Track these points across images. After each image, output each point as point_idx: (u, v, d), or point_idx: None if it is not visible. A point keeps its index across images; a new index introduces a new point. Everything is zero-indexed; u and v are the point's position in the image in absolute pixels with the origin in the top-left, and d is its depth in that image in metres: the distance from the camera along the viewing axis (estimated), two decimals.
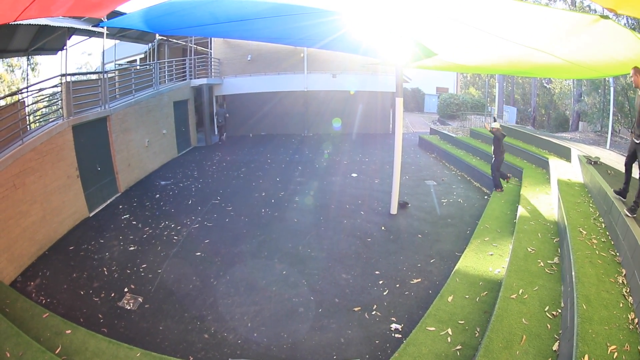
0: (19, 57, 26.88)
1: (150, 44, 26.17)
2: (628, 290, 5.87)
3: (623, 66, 8.50)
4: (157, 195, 14.79)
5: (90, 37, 19.60)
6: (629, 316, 5.26)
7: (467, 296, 7.52)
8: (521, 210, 10.54)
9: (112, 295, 8.68)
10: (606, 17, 5.64)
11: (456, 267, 8.63)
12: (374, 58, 18.54)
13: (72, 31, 17.49)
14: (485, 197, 14.06)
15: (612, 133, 22.34)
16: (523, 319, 5.96)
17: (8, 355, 6.15)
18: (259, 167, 18.94)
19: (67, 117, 12.20)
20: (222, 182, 16.52)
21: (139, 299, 8.50)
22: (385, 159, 19.24)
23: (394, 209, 12.91)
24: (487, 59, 11.16)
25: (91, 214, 12.88)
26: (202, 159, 20.60)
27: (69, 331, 7.11)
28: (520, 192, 12.19)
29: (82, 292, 8.80)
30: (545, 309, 6.22)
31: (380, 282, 9.07)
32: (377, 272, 9.47)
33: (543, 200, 11.40)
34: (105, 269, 9.73)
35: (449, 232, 11.47)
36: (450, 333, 6.47)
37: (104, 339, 6.97)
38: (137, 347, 6.77)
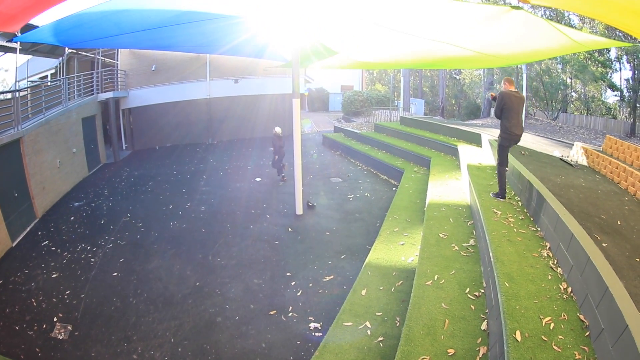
0: None
1: (60, 58, 25.07)
2: (555, 262, 5.90)
3: (541, 54, 8.83)
4: (72, 218, 14.47)
5: (5, 52, 18.97)
6: (561, 286, 5.27)
7: (381, 287, 7.59)
8: (430, 198, 10.62)
9: (44, 326, 8.59)
10: (518, 8, 5.67)
11: (366, 260, 8.75)
12: (276, 60, 18.51)
13: None
14: (393, 188, 14.43)
15: (526, 116, 22.94)
16: (442, 304, 5.91)
17: None
18: (165, 179, 18.79)
19: None
20: (131, 199, 16.31)
21: (69, 327, 8.54)
22: (289, 161, 18.85)
23: (299, 210, 13.16)
24: (392, 56, 11.15)
25: (14, 244, 12.48)
26: (112, 176, 20.02)
27: None
28: (429, 180, 12.31)
29: (17, 328, 8.63)
30: (466, 291, 6.21)
31: (293, 283, 9.39)
32: (288, 274, 9.81)
33: (453, 186, 11.58)
34: (33, 300, 9.60)
35: (358, 227, 11.81)
36: (369, 326, 6.52)
37: None
38: None
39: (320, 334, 7.29)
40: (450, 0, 6.00)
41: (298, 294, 8.86)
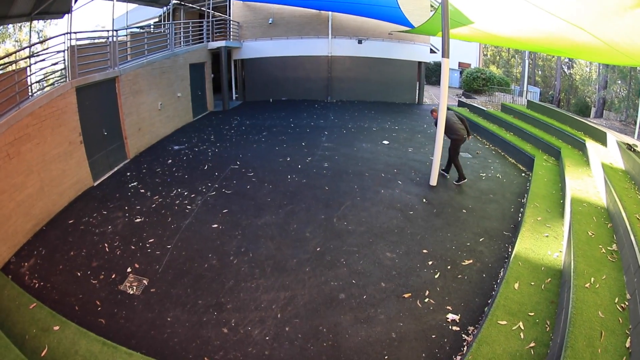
0: (23, 24, 25.95)
1: (165, 8, 25.01)
2: None
3: None
4: (170, 161, 13.32)
5: None
6: None
7: (532, 283, 6.49)
8: (572, 191, 9.57)
9: (113, 276, 7.29)
10: None
11: (515, 249, 7.49)
12: (401, 25, 18.41)
13: None
14: (522, 174, 13.00)
15: None
16: (599, 312, 5.17)
17: None
18: (281, 131, 17.48)
19: (70, 79, 10.88)
20: (241, 147, 15.02)
21: (144, 282, 7.08)
22: (415, 128, 18.12)
23: (433, 181, 11.59)
24: (525, 31, 10.90)
25: (96, 183, 11.53)
26: (220, 123, 19.19)
27: (57, 327, 5.83)
28: (565, 173, 11.08)
29: (79, 274, 7.45)
30: (615, 301, 5.43)
31: (430, 262, 7.70)
32: (424, 251, 8.06)
33: (588, 183, 10.44)
34: (106, 244, 8.33)
35: (493, 209, 10.19)
36: (522, 327, 5.52)
37: (98, 339, 5.61)
38: (136, 353, 5.38)
39: (458, 329, 6.05)
40: None
41: (436, 277, 7.33)
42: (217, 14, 25.34)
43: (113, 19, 20.56)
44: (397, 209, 9.81)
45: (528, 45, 15.68)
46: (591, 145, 12.94)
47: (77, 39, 12.12)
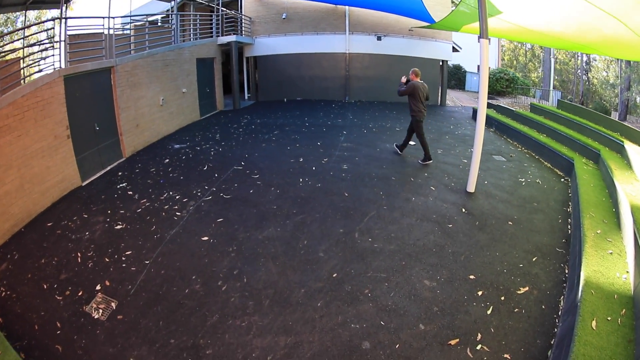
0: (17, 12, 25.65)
1: (172, 2, 23.82)
2: None
3: None
4: (166, 160, 11.97)
5: None
6: None
7: (608, 318, 5.03)
8: (629, 198, 8.08)
9: (80, 293, 6.13)
10: None
11: (584, 273, 5.88)
12: (421, 20, 17.83)
13: None
14: (562, 179, 11.58)
15: None
16: None
17: None
18: (295, 130, 16.05)
19: (59, 67, 10.04)
20: (248, 146, 13.59)
21: (112, 304, 5.82)
22: (442, 129, 16.86)
23: (471, 187, 10.02)
24: (554, 22, 10.27)
25: (84, 183, 10.40)
26: (228, 122, 17.82)
27: None
28: (614, 177, 9.67)
29: (45, 286, 6.40)
30: None
31: (479, 292, 6.03)
32: (471, 277, 6.38)
33: (638, 188, 9.05)
34: (79, 254, 7.12)
35: (541, 220, 8.65)
36: None
37: None
38: None
39: None
40: None
41: (488, 312, 5.63)
42: (228, 11, 24.42)
43: (110, 4, 19.63)
44: (433, 221, 8.23)
45: (555, 40, 14.48)
46: (630, 147, 11.90)
47: (69, 27, 11.14)
